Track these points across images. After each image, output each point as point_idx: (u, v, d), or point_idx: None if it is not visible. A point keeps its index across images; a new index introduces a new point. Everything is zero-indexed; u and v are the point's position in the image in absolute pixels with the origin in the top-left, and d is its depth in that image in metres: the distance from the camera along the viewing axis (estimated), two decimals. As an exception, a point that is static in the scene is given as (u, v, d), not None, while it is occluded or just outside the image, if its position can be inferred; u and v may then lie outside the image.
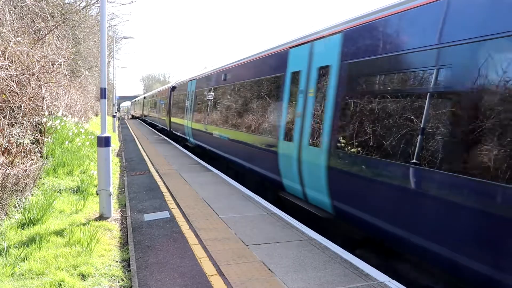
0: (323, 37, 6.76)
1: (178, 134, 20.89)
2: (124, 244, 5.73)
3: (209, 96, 14.09)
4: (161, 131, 28.74)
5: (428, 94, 4.47)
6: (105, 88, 6.98)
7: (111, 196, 6.89)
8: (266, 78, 9.10)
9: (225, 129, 11.59)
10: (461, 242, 3.94)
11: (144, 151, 16.52)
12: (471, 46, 4.00)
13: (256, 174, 9.31)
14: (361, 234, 5.96)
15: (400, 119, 4.82)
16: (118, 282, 4.45)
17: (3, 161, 6.16)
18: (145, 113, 43.41)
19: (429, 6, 4.61)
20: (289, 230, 6.04)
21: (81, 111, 19.56)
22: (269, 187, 8.91)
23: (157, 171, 11.29)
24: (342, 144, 5.82)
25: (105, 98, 7.05)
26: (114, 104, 34.51)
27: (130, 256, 5.04)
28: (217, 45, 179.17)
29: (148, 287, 4.17)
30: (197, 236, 5.75)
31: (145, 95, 50.19)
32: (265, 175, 8.74)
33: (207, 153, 14.27)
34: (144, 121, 44.48)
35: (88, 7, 22.04)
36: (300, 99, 7.16)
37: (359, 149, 5.49)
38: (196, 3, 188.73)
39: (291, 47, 7.94)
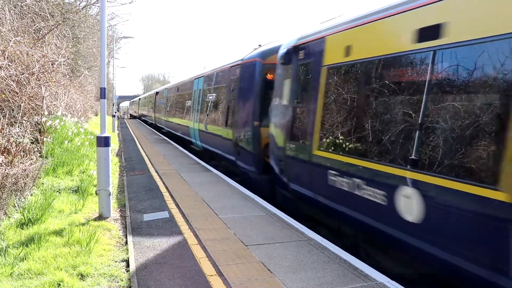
0: (202, 76, 15.82)
1: (158, 125, 30.50)
2: (123, 244, 5.72)
3: (172, 100, 23.41)
4: (151, 125, 37.38)
5: (212, 101, 13.53)
6: (105, 88, 6.97)
7: (111, 196, 6.88)
8: (188, 92, 18.40)
9: (176, 118, 21.15)
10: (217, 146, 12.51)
11: (144, 151, 16.52)
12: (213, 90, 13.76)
13: (185, 139, 18.85)
14: (211, 155, 13.91)
15: (214, 109, 12.99)
16: (117, 282, 4.44)
17: (2, 161, 6.15)
18: (139, 112, 53.48)
19: (209, 75, 14.56)
20: (288, 231, 6.04)
21: (80, 110, 19.56)
22: (188, 144, 18.53)
23: (156, 171, 11.29)
24: (199, 120, 14.82)
25: (104, 98, 7.04)
26: (114, 104, 34.51)
27: (129, 256, 5.03)
28: (217, 45, 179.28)
29: (148, 287, 4.17)
30: (196, 236, 5.75)
31: (139, 97, 60.83)
32: (187, 139, 18.01)
33: (177, 138, 22.15)
34: (139, 118, 52.43)
35: (88, 6, 22.03)
36: (195, 103, 16.16)
37: (202, 121, 14.18)
38: (196, 3, 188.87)
39: (195, 79, 17.29)
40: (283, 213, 7.04)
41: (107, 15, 7.23)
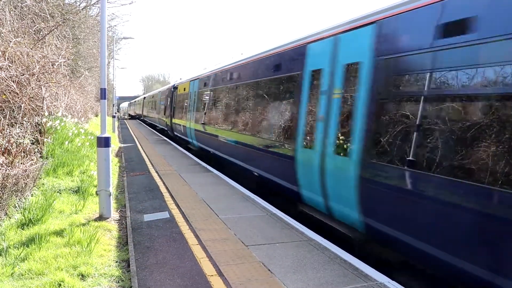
0: (160, 91, 32.29)
1: (145, 119, 44.05)
2: (123, 244, 5.73)
3: (152, 103, 36.11)
4: (142, 120, 48.78)
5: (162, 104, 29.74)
6: (105, 89, 6.98)
7: (111, 196, 6.89)
8: (157, 98, 32.35)
9: (154, 114, 33.87)
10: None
11: (144, 151, 16.53)
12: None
13: (155, 126, 34.02)
14: (163, 131, 28.25)
15: (163, 108, 27.20)
16: (118, 282, 4.45)
17: (3, 161, 6.16)
18: (136, 112, 65.94)
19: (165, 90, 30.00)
20: (288, 231, 6.05)
21: (81, 111, 19.57)
22: (161, 131, 29.47)
23: (156, 172, 11.30)
24: (160, 114, 28.78)
25: (105, 99, 7.04)
26: (114, 105, 34.55)
27: (129, 257, 5.04)
28: (217, 45, 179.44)
29: (148, 287, 4.17)
30: (196, 236, 5.76)
31: (136, 99, 72.52)
32: (156, 125, 33.14)
33: (156, 128, 34.71)
34: (136, 117, 62.01)
35: (88, 7, 22.06)
36: (160, 104, 29.80)
37: (161, 114, 28.35)
38: (196, 3, 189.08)
39: (158, 91, 34.26)
40: (283, 214, 7.06)
41: (107, 16, 7.23)
